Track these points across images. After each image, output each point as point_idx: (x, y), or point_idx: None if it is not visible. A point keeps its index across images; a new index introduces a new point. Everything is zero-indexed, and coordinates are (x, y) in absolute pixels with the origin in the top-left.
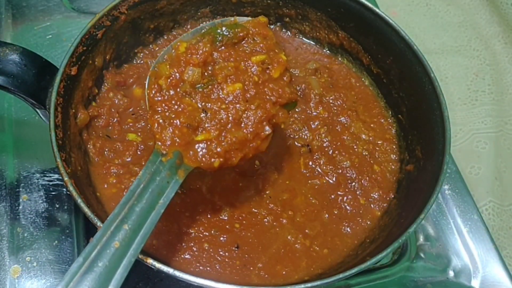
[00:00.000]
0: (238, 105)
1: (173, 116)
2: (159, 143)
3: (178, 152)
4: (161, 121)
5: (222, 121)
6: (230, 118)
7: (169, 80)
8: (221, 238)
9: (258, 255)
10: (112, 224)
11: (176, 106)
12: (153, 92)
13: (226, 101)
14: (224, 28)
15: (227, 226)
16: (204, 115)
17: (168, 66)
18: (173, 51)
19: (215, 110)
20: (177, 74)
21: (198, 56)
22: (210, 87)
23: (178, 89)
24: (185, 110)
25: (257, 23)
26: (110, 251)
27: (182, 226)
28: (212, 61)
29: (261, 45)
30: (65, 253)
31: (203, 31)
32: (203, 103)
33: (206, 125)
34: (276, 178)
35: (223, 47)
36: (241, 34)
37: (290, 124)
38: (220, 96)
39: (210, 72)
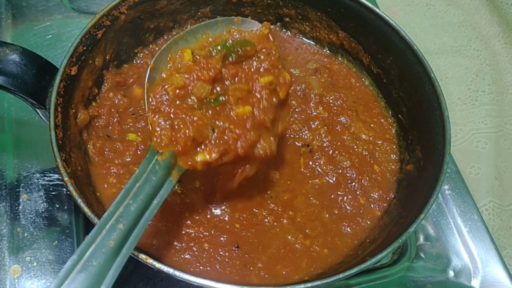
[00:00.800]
0: (248, 135)
1: (181, 124)
2: (155, 139)
3: (173, 152)
4: (161, 121)
5: (226, 145)
6: (239, 148)
7: (177, 91)
8: (221, 238)
9: (258, 255)
10: (107, 223)
11: (188, 118)
12: (158, 95)
13: (236, 122)
14: (238, 48)
15: (227, 227)
16: (211, 132)
17: (180, 78)
18: (178, 54)
19: (223, 129)
20: (189, 87)
21: (211, 72)
22: (222, 105)
23: (189, 101)
24: (195, 124)
25: (260, 37)
26: (106, 250)
27: (182, 226)
28: (221, 78)
29: (266, 62)
30: (65, 253)
31: (203, 33)
32: (213, 120)
33: (210, 146)
34: (277, 178)
35: (231, 64)
36: (250, 52)
37: (290, 124)
38: (231, 116)
39: (219, 90)
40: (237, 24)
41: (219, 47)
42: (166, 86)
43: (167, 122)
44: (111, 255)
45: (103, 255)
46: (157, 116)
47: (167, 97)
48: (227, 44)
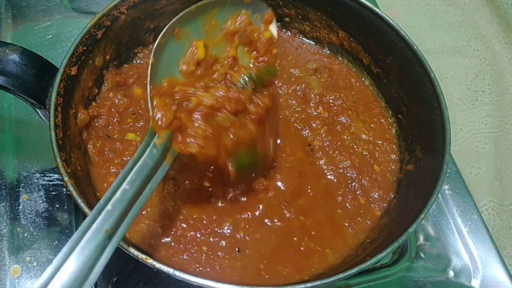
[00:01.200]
0: None
1: (196, 130)
2: (157, 118)
3: (170, 134)
4: (167, 102)
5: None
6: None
7: (200, 107)
8: (221, 244)
9: (260, 256)
10: (103, 208)
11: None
12: (179, 95)
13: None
14: (263, 78)
15: (228, 234)
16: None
17: (210, 100)
18: (192, 47)
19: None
20: (214, 111)
21: (239, 106)
22: None
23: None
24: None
25: (267, 41)
26: (101, 236)
27: (178, 228)
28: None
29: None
30: None
31: (212, 9)
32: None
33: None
34: (297, 182)
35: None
36: (273, 79)
37: (292, 123)
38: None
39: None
40: (246, 3)
41: (246, 78)
42: (191, 96)
43: (173, 107)
44: (105, 241)
45: (98, 242)
46: (163, 98)
47: (189, 105)
48: (253, 76)
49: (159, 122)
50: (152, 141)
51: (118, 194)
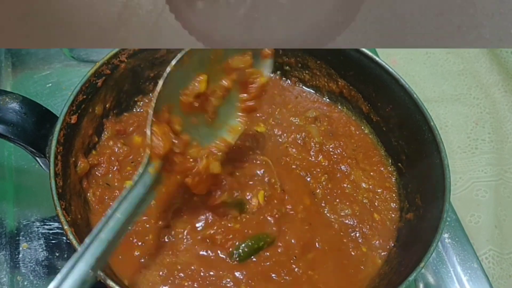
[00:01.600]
0: None
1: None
2: (155, 144)
3: (163, 163)
4: (166, 130)
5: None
6: None
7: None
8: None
9: None
10: (96, 236)
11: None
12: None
13: None
14: None
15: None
16: None
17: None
18: (196, 82)
19: None
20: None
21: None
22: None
23: None
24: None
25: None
26: (91, 263)
27: (176, 277)
28: None
29: None
30: None
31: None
32: None
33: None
34: (308, 236)
35: None
36: None
37: (294, 169)
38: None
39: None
40: None
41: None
42: (198, 163)
43: (173, 137)
44: (92, 269)
45: (87, 268)
46: (162, 125)
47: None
48: None
49: (156, 150)
50: (147, 170)
51: (110, 222)
